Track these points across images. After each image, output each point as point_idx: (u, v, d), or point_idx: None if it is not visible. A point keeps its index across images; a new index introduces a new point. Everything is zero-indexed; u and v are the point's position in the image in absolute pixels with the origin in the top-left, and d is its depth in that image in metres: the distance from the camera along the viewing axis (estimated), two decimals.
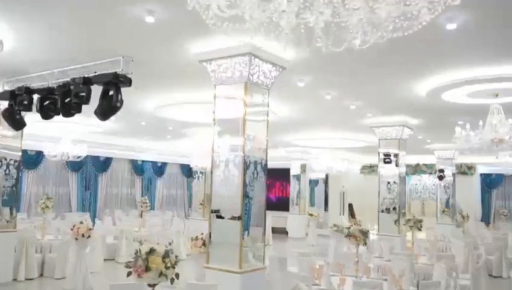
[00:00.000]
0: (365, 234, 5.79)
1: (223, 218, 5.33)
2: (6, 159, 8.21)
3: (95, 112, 5.76)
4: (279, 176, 20.35)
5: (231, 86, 5.23)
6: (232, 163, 5.15)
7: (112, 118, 9.94)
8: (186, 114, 9.72)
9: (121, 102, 5.71)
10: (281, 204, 19.93)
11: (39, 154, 13.99)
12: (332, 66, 6.07)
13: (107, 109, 5.70)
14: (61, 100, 6.24)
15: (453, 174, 15.27)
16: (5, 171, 8.17)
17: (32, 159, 14.13)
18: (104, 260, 10.38)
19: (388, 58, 5.65)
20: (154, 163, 18.52)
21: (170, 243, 6.05)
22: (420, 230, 8.56)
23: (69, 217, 13.27)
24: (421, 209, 19.92)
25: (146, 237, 11.28)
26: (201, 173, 13.12)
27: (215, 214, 5.35)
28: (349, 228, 5.95)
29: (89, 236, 8.03)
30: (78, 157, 12.32)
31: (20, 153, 8.49)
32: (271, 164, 19.38)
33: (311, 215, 16.01)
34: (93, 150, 14.49)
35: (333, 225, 10.78)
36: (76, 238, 7.94)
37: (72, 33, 5.29)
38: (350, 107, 8.44)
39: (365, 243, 5.83)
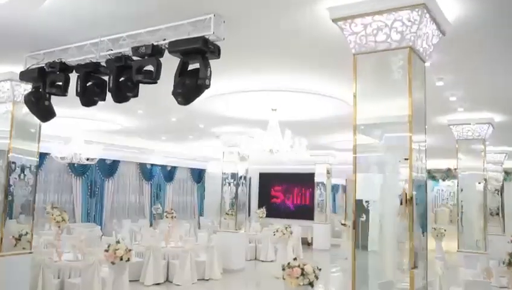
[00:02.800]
0: None
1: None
2: (21, 162, 6.43)
3: (175, 93, 4.07)
4: (297, 181, 18.83)
5: (384, 54, 3.63)
6: (391, 166, 3.54)
7: (140, 111, 8.31)
8: (251, 107, 8.05)
9: (210, 79, 4.05)
10: (300, 212, 18.39)
11: (40, 157, 12.06)
12: (477, 38, 4.54)
13: (192, 89, 4.02)
14: (115, 79, 4.55)
15: (503, 179, 13.97)
16: (19, 176, 6.38)
17: None
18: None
19: None
20: (163, 167, 16.72)
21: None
22: None
23: (77, 230, 11.45)
24: (448, 218, 18.60)
25: (177, 254, 9.60)
26: (232, 178, 11.40)
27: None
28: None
29: (128, 259, 6.31)
30: (92, 159, 10.54)
31: (36, 158, 6.71)
32: (287, 168, 17.68)
33: (344, 225, 14.45)
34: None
35: None
36: (112, 263, 6.21)
37: None
38: (449, 98, 6.92)
39: None
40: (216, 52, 4.07)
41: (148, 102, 8.03)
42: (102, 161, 13.99)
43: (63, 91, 4.89)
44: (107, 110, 8.85)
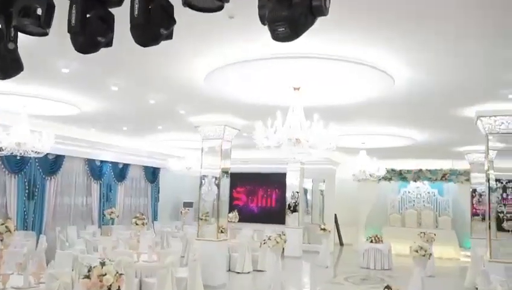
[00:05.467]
0: None
1: None
2: None
3: (276, 19, 2.34)
4: (261, 182, 17.35)
5: None
6: None
7: (115, 87, 6.45)
8: (263, 85, 6.39)
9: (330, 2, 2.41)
10: (265, 216, 16.93)
11: None
12: None
13: (304, 14, 2.35)
14: (142, 4, 2.75)
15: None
16: None
17: None
18: None
19: None
20: (114, 164, 14.47)
21: None
22: None
23: (14, 241, 9.08)
24: (417, 221, 18.00)
25: (153, 270, 7.71)
26: (213, 178, 9.60)
27: None
28: None
29: (118, 288, 4.42)
30: (39, 153, 8.32)
31: None
32: (251, 168, 16.27)
33: (323, 230, 13.14)
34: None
35: (418, 248, 8.00)
36: None
37: None
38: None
39: None
40: None
41: (131, 74, 6.15)
42: (43, 156, 11.58)
43: (43, 25, 2.96)
44: (70, 87, 6.81)
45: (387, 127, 10.08)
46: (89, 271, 4.35)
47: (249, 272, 11.32)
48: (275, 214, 16.73)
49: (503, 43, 4.67)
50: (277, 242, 8.98)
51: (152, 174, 16.45)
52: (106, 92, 6.91)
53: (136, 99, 7.45)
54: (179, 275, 8.11)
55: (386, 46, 4.82)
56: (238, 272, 11.21)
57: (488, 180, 7.60)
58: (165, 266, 7.49)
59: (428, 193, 18.38)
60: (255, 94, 6.89)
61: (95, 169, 13.64)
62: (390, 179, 17.30)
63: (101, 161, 13.83)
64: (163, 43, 2.99)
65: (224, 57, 5.40)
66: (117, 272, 4.37)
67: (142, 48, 2.78)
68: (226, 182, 9.77)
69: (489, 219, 7.53)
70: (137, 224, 8.50)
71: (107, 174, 14.14)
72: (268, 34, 4.46)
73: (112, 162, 14.25)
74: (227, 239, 10.00)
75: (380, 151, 12.35)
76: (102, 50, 4.98)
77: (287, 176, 15.29)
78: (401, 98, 6.90)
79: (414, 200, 18.58)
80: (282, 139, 5.80)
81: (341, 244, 18.42)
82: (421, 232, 12.08)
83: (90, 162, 13.42)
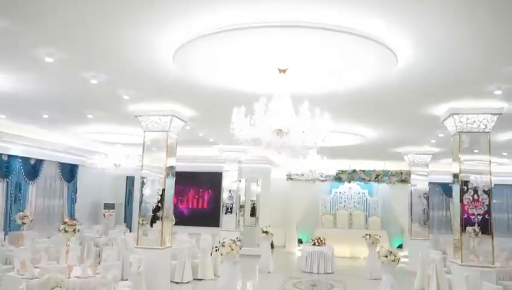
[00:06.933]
0: None
1: None
2: None
3: None
4: (192, 182, 16.15)
5: None
6: None
7: (49, 59, 5.10)
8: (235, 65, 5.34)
9: None
10: (197, 218, 15.82)
11: None
12: None
13: None
14: None
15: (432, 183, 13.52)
16: None
17: None
18: None
19: None
20: (25, 160, 12.40)
21: None
22: None
23: None
24: (348, 221, 17.97)
25: (90, 287, 6.33)
26: (157, 177, 8.28)
27: None
28: None
29: None
30: None
31: None
32: (180, 166, 15.08)
33: (266, 232, 12.35)
34: None
35: (388, 253, 7.47)
36: None
37: None
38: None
39: None
40: None
41: (74, 43, 4.81)
42: None
43: None
44: None
45: (341, 123, 9.54)
46: None
47: (188, 282, 10.16)
48: (208, 216, 15.72)
49: (496, 38, 4.27)
50: (231, 249, 8.00)
51: (69, 172, 14.48)
52: (37, 64, 5.39)
53: (74, 77, 5.94)
54: None
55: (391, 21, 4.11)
56: (178, 282, 9.99)
57: (461, 182, 7.27)
58: (107, 283, 6.14)
59: (359, 193, 18.49)
60: (225, 76, 5.84)
61: (1, 165, 11.52)
62: (325, 180, 17.00)
63: (9, 156, 11.74)
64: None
65: (192, 28, 4.33)
66: None
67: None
68: (171, 182, 8.53)
69: (460, 222, 7.20)
70: (66, 231, 6.95)
71: (16, 172, 12.05)
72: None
73: (22, 157, 12.19)
74: (171, 246, 8.75)
75: (327, 150, 11.83)
76: (43, 6, 3.74)
77: (223, 175, 14.28)
78: (384, 88, 6.30)
79: (345, 201, 18.58)
80: (269, 129, 4.85)
81: (272, 246, 17.79)
82: (366, 234, 11.79)
83: None
